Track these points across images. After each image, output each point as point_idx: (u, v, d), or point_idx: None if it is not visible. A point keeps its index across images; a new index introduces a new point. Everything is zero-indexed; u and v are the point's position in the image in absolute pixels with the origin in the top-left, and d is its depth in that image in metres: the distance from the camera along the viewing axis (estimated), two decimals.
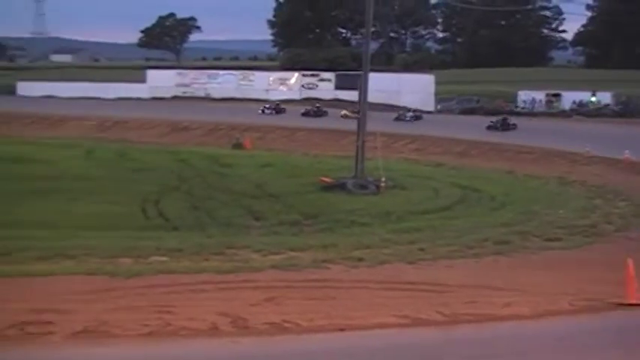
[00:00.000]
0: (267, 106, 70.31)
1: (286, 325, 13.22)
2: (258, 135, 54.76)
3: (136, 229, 24.62)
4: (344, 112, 63.43)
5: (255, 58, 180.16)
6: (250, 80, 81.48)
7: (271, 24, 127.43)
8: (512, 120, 58.03)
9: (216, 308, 13.83)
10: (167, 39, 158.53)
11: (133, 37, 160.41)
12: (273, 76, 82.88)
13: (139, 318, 13.14)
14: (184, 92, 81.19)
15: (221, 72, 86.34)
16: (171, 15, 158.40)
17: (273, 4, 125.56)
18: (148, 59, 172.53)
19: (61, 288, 14.92)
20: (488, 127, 56.02)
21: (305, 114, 67.33)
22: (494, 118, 58.11)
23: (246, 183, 34.62)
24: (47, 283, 15.41)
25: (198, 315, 13.43)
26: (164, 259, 18.61)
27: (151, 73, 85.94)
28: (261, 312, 13.81)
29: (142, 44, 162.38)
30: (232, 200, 30.55)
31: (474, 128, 54.51)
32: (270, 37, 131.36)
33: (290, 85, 79.37)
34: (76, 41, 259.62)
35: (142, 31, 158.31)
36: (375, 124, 35.91)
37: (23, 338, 12.28)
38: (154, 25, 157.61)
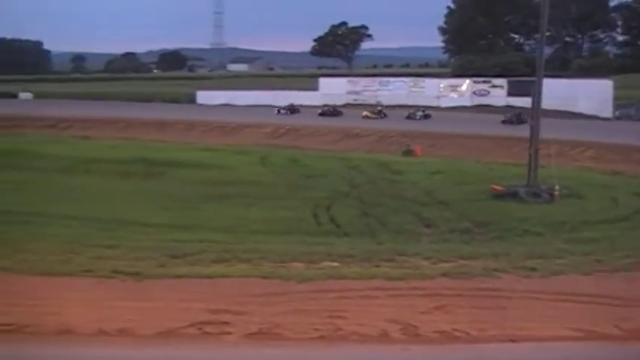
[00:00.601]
0: (282, 106, 76.28)
1: (456, 333, 13.04)
2: (429, 142, 54.35)
3: (307, 234, 25.07)
4: (365, 112, 71.25)
5: (426, 65, 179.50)
6: (421, 87, 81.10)
7: (442, 30, 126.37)
8: None
9: (386, 315, 13.83)
10: (339, 47, 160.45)
11: (307, 45, 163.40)
12: (444, 82, 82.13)
13: (311, 322, 13.34)
14: (355, 100, 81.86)
15: (392, 79, 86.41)
16: (344, 24, 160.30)
17: (445, 11, 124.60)
18: (320, 67, 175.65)
19: (236, 290, 15.37)
20: None
21: (322, 114, 73.08)
22: None
23: (416, 190, 34.51)
24: (223, 284, 15.91)
25: (368, 321, 13.47)
26: (335, 264, 18.78)
27: (323, 81, 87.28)
28: (431, 320, 13.69)
29: (314, 53, 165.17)
30: (402, 207, 30.53)
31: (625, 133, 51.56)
32: (442, 44, 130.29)
33: (461, 92, 78.42)
34: (252, 51, 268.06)
35: (315, 40, 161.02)
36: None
37: (201, 337, 12.76)
38: (326, 34, 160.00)
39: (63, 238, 21.62)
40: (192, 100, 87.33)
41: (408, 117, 68.12)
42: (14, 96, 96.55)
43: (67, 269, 16.89)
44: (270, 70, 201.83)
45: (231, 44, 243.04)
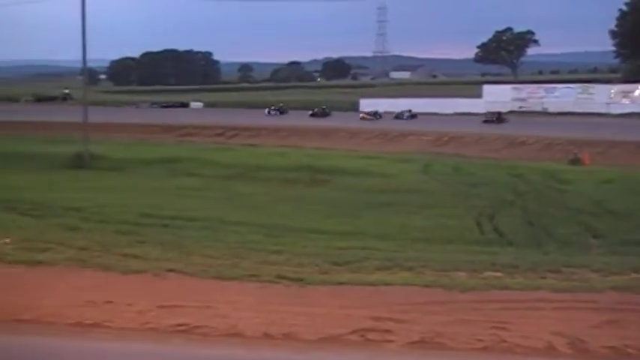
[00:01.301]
0: (272, 107, 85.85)
1: (629, 350, 12.48)
2: (599, 150, 52.45)
3: (470, 243, 24.75)
4: (362, 114, 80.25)
5: (595, 70, 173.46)
6: (590, 93, 78.47)
7: (613, 34, 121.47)
8: None
9: (552, 327, 13.42)
10: (503, 53, 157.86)
11: (470, 52, 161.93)
12: (615, 88, 79.08)
13: (474, 332, 13.15)
14: (520, 107, 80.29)
15: (559, 85, 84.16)
16: (508, 29, 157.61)
17: (617, 13, 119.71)
18: (483, 74, 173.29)
19: (398, 298, 15.35)
20: None
21: (313, 115, 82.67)
22: None
23: (584, 199, 33.38)
24: (385, 292, 15.92)
25: (533, 333, 13.13)
26: (499, 274, 18.41)
27: (487, 88, 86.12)
28: (601, 334, 13.16)
29: (478, 59, 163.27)
30: (569, 217, 29.61)
31: None
32: (612, 48, 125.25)
33: (634, 97, 75.19)
34: (415, 58, 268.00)
35: (478, 47, 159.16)
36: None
37: (363, 344, 12.83)
38: (490, 40, 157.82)
39: (230, 244, 22.32)
40: (355, 108, 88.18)
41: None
42: (186, 105, 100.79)
43: (234, 273, 17.40)
44: (433, 78, 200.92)
45: (394, 52, 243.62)
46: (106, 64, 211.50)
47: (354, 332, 13.16)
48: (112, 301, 14.99)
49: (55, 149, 50.81)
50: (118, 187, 36.61)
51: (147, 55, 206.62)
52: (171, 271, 17.58)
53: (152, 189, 36.34)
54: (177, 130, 71.47)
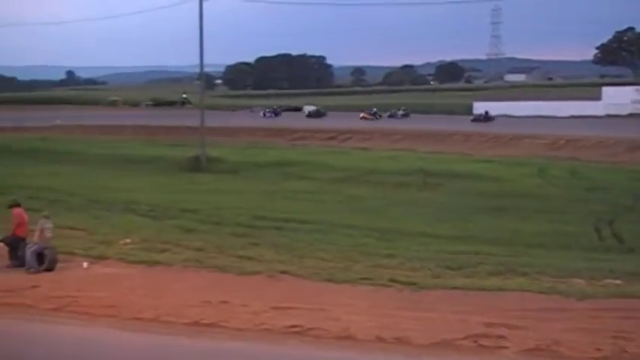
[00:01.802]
0: (267, 109, 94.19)
1: None
2: None
3: (587, 249, 24.14)
4: (362, 114, 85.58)
5: None
6: None
7: None
8: None
9: None
10: (624, 54, 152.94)
11: (588, 54, 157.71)
12: None
13: (592, 341, 12.79)
14: None
15: None
16: (630, 29, 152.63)
17: None
18: (602, 76, 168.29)
19: (512, 304, 15.10)
20: None
21: (308, 115, 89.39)
22: None
23: None
24: (499, 298, 15.68)
25: None
26: (618, 282, 17.85)
27: (607, 90, 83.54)
28: None
29: (597, 61, 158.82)
30: None
31: None
32: None
33: None
34: (530, 60, 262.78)
35: (597, 48, 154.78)
36: None
37: (477, 350, 12.68)
38: (609, 41, 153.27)
39: (342, 247, 22.45)
40: (469, 111, 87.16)
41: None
42: (299, 109, 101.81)
43: (346, 277, 17.48)
44: (549, 80, 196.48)
45: (509, 54, 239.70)
46: (222, 69, 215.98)
47: (467, 337, 13.02)
48: (227, 302, 15.31)
49: (173, 152, 52.24)
50: (233, 190, 37.32)
51: (261, 60, 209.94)
52: (284, 273, 17.81)
53: (266, 192, 36.88)
54: (291, 133, 72.27)
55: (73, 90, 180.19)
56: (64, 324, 14.36)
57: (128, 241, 22.06)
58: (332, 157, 51.75)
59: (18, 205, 19.92)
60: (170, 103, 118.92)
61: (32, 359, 12.67)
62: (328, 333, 13.44)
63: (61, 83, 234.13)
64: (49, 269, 18.37)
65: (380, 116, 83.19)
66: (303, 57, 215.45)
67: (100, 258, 19.62)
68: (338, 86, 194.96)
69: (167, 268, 18.59)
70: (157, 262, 19.10)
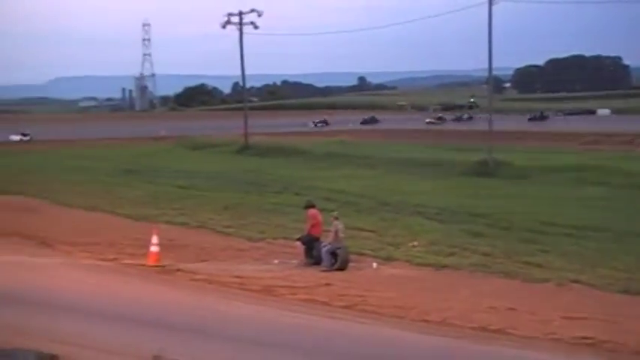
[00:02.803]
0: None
1: None
2: None
3: None
4: (428, 119, 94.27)
5: None
6: None
7: None
8: None
9: None
10: None
11: None
12: None
13: None
14: None
15: None
16: None
17: None
18: None
19: None
20: None
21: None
22: None
23: None
24: None
25: None
26: None
27: None
28: None
29: None
30: None
31: None
32: None
33: None
34: None
35: None
36: None
37: None
38: None
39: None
40: None
41: None
42: (592, 112, 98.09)
43: None
44: None
45: None
46: (511, 72, 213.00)
47: None
48: (514, 309, 15.07)
49: (460, 157, 52.25)
50: (523, 195, 36.53)
51: (551, 62, 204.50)
52: (575, 282, 17.24)
53: (556, 197, 35.72)
54: (580, 137, 69.71)
55: (364, 95, 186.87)
56: (354, 321, 14.86)
57: (416, 243, 22.41)
58: (627, 162, 49.01)
59: (313, 206, 21.02)
60: (458, 107, 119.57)
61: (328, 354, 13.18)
62: (624, 347, 12.75)
63: (353, 89, 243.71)
64: (342, 268, 19.16)
65: (445, 120, 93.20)
66: (597, 58, 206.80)
67: (389, 259, 20.14)
68: (635, 88, 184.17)
69: (454, 272, 18.67)
70: (444, 266, 19.25)
